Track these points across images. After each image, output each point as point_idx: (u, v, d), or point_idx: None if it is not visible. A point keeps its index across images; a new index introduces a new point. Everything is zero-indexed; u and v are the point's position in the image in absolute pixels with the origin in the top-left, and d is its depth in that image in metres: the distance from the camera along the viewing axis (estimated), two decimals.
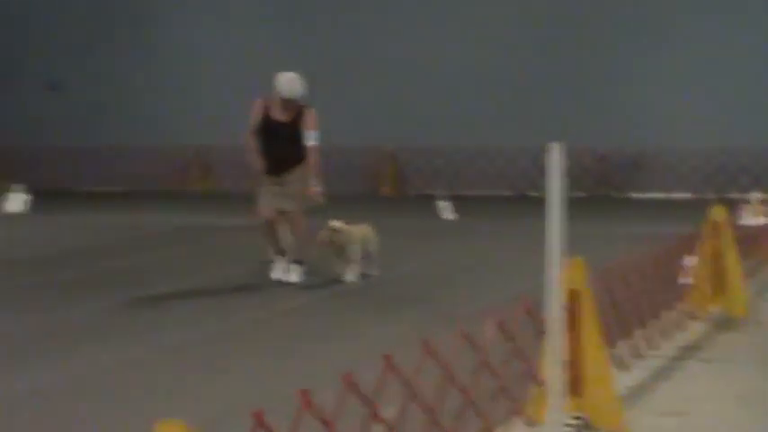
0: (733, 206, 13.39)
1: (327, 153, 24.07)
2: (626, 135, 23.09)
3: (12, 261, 13.44)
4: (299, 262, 11.46)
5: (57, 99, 25.76)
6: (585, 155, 23.13)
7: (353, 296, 10.79)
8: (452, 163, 23.95)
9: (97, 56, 25.48)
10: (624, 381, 7.01)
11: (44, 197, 21.91)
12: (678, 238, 9.31)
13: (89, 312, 9.89)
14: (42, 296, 10.90)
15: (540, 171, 22.93)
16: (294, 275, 11.42)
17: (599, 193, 23.13)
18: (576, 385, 6.00)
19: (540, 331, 5.84)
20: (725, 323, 9.05)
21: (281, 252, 11.42)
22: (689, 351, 8.08)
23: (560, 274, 5.09)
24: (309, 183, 11.36)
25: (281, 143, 11.28)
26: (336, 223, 11.25)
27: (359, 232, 11.45)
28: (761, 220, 14.83)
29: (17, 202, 19.86)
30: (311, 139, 11.35)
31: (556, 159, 5.07)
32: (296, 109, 11.39)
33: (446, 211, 18.10)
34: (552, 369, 5.12)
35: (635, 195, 23.21)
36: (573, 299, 5.95)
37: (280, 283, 11.30)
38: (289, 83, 11.29)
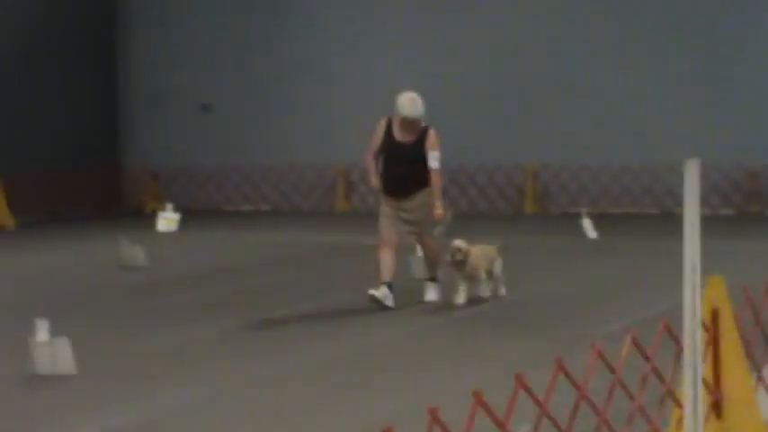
0: None
1: (472, 172, 24.49)
2: None
3: (157, 279, 13.77)
4: (433, 279, 11.40)
5: (207, 120, 26.37)
6: (736, 171, 22.57)
7: (488, 316, 10.72)
8: (597, 180, 23.65)
9: (244, 77, 25.99)
10: None
11: (194, 216, 22.47)
12: None
13: (223, 330, 10.06)
14: (181, 314, 11.13)
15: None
16: (432, 293, 11.35)
17: (750, 209, 22.52)
18: (718, 408, 5.85)
19: (679, 350, 5.71)
20: None
21: (387, 282, 11.03)
22: None
23: (694, 291, 4.96)
24: (432, 206, 11.07)
25: (402, 165, 11.06)
26: (459, 243, 11.00)
27: (481, 252, 11.18)
28: None
29: (168, 221, 20.36)
30: (433, 160, 11.08)
31: (693, 176, 4.94)
32: (417, 130, 11.13)
33: (589, 229, 17.86)
34: (689, 390, 4.99)
35: None
36: (713, 317, 5.81)
37: (419, 303, 11.23)
38: (410, 102, 11.04)
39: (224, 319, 10.59)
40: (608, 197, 23.53)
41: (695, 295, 5.00)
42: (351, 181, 25.10)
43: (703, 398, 5.69)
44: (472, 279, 11.07)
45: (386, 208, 11.22)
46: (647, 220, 21.70)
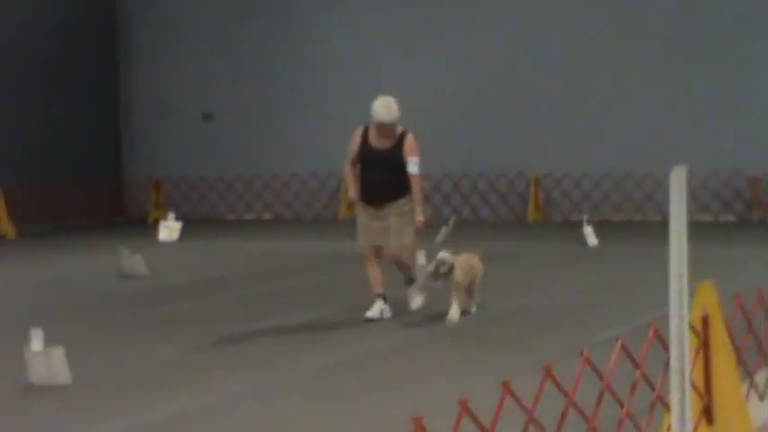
0: None
1: (475, 179, 24.47)
2: None
3: (156, 289, 13.78)
4: (410, 281, 11.12)
5: (208, 129, 26.41)
6: (737, 178, 22.55)
7: (481, 324, 10.70)
8: (599, 188, 23.64)
9: (246, 87, 26.03)
10: (764, 410, 6.80)
11: (196, 226, 22.50)
12: None
13: (218, 340, 10.06)
14: (178, 323, 11.14)
15: (689, 195, 22.44)
16: (415, 300, 11.08)
17: (752, 216, 22.50)
18: (708, 413, 5.84)
19: (669, 357, 5.71)
20: None
21: (380, 293, 10.90)
22: None
23: (680, 298, 4.96)
24: (413, 213, 10.75)
25: (380, 171, 10.72)
26: (444, 255, 10.58)
27: (465, 263, 10.77)
28: None
29: (170, 230, 20.38)
30: (413, 165, 10.71)
31: (678, 184, 4.95)
32: (394, 135, 10.79)
33: (590, 236, 17.85)
34: (675, 396, 4.98)
35: None
36: (704, 323, 5.80)
37: (411, 313, 11.14)
38: (384, 107, 10.72)
39: (220, 328, 10.58)
40: (610, 204, 23.52)
41: (682, 302, 5.00)
42: None
43: (694, 403, 5.70)
44: (460, 290, 10.68)
45: (363, 217, 10.93)
46: (648, 227, 21.68)
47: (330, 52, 25.19)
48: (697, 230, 19.36)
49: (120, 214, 26.36)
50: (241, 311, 11.76)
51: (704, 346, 5.84)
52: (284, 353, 9.39)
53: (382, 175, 10.74)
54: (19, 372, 8.25)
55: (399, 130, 10.83)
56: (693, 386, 5.69)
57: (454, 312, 10.53)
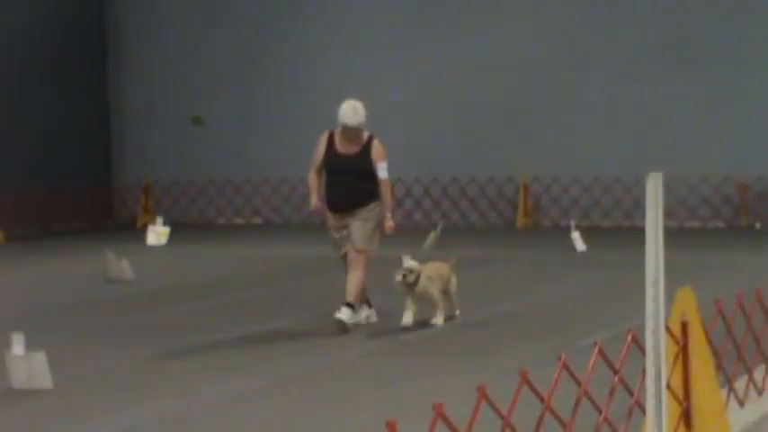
0: None
1: (464, 184, 24.47)
2: None
3: (142, 293, 13.76)
4: (351, 306, 10.44)
5: (198, 134, 26.39)
6: (726, 183, 22.58)
7: (462, 330, 10.69)
8: (588, 193, 23.66)
9: (236, 92, 26.02)
10: (743, 416, 6.80)
11: (185, 230, 22.47)
12: None
13: (200, 345, 10.06)
14: (162, 328, 11.12)
15: (677, 200, 22.47)
16: (344, 314, 10.37)
17: (740, 222, 22.52)
18: (686, 419, 5.84)
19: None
20: None
21: (365, 300, 10.76)
22: None
23: (656, 305, 4.96)
24: (381, 219, 10.47)
25: (346, 178, 10.47)
26: (410, 263, 10.36)
27: (434, 272, 10.56)
28: None
29: (158, 235, 20.35)
30: (381, 171, 10.45)
31: (654, 190, 4.95)
32: (361, 140, 10.51)
33: (578, 241, 17.86)
34: (650, 402, 4.99)
35: None
36: (682, 329, 5.81)
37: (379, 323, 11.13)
38: (351, 110, 10.42)
39: (203, 333, 10.57)
40: (599, 210, 23.54)
41: (658, 308, 5.00)
42: None
43: (672, 409, 5.70)
44: (424, 300, 10.49)
45: (331, 227, 10.69)
46: (637, 232, 21.66)
47: (321, 57, 25.19)
48: (685, 237, 19.58)
49: (110, 218, 26.33)
50: (225, 317, 11.74)
51: (683, 351, 5.85)
52: (267, 357, 9.37)
53: (348, 182, 10.49)
54: (0, 376, 8.23)
55: (366, 135, 10.58)
56: (672, 391, 5.69)
57: (409, 315, 10.33)
